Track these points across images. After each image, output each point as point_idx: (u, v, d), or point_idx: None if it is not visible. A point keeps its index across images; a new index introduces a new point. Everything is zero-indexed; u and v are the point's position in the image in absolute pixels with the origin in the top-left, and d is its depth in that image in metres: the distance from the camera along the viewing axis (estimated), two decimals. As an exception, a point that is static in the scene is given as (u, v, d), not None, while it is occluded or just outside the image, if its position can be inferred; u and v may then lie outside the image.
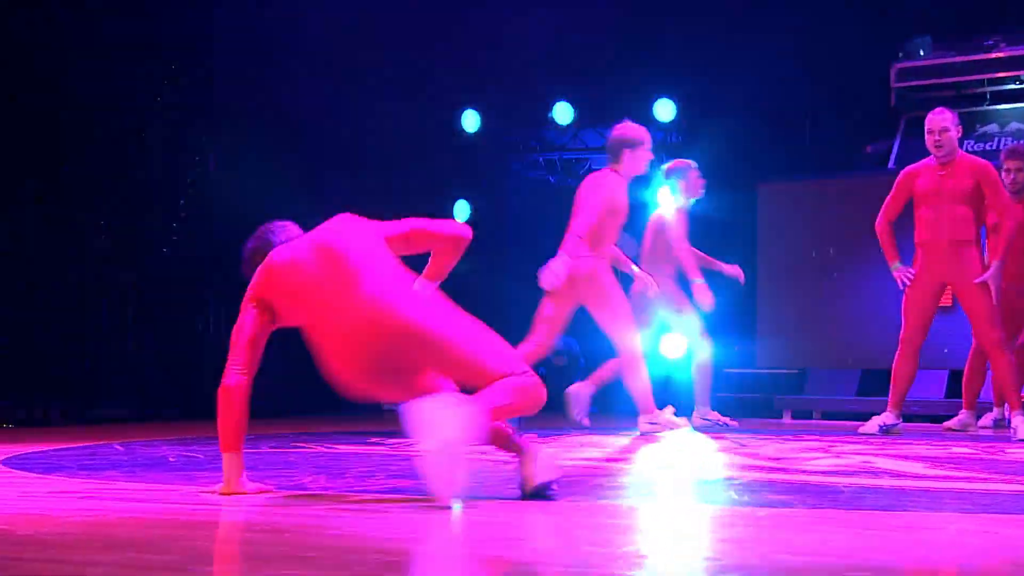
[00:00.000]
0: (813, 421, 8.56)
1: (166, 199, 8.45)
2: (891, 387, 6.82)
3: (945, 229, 6.52)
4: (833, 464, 4.69)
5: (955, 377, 8.26)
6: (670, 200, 7.24)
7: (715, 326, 7.21)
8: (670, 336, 8.18)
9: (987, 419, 7.37)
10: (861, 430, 6.79)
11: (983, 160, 6.69)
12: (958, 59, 9.34)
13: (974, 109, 9.29)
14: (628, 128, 6.68)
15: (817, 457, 5.02)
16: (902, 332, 6.72)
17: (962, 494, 3.67)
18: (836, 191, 8.92)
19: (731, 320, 8.26)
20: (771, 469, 4.49)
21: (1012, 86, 9.26)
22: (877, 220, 6.76)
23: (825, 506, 3.41)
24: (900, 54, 9.43)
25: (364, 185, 9.41)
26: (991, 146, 8.95)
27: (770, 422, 8.31)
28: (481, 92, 10.11)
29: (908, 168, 6.75)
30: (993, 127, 9.15)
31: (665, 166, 7.30)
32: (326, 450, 5.34)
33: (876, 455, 5.08)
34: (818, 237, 8.89)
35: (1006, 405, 6.83)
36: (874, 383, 8.34)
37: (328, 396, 3.87)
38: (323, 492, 3.72)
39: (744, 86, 9.48)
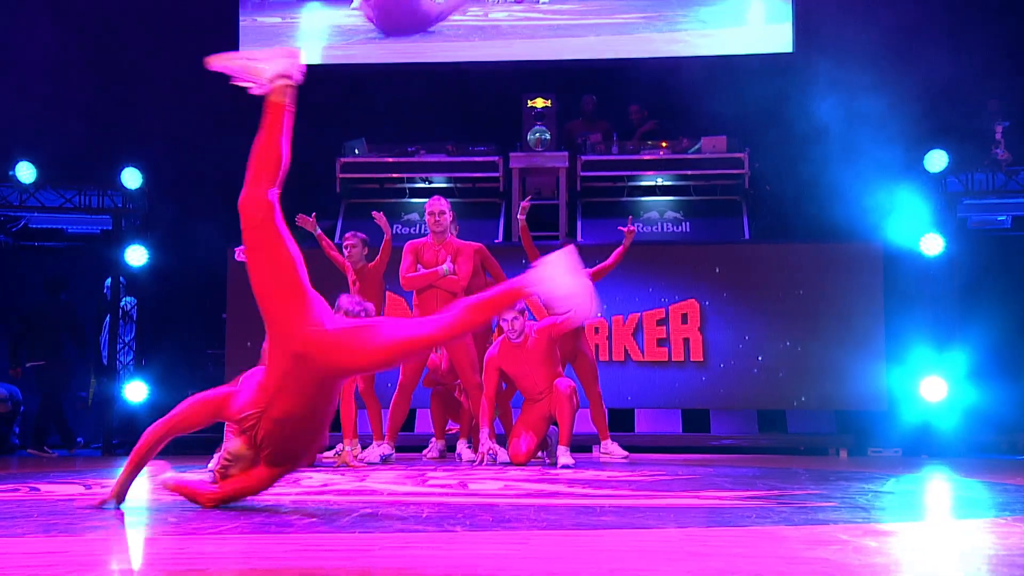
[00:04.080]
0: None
1: None
2: (389, 424, 8.13)
3: (440, 290, 8.08)
4: (501, 488, 5.44)
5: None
6: None
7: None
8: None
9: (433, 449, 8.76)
10: (364, 458, 7.91)
11: (474, 244, 8.36)
12: (385, 159, 11.25)
13: (398, 200, 11.26)
14: None
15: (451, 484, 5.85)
16: (402, 378, 8.09)
17: (663, 510, 4.43)
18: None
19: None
20: (452, 493, 5.15)
21: (422, 184, 11.39)
22: (402, 280, 8.10)
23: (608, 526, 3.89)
24: (343, 151, 11.12)
25: None
26: (414, 230, 10.86)
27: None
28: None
29: (413, 241, 8.28)
30: (414, 216, 11.13)
31: None
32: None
33: (501, 480, 6.05)
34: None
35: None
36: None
37: None
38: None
39: (207, 160, 10.33)
